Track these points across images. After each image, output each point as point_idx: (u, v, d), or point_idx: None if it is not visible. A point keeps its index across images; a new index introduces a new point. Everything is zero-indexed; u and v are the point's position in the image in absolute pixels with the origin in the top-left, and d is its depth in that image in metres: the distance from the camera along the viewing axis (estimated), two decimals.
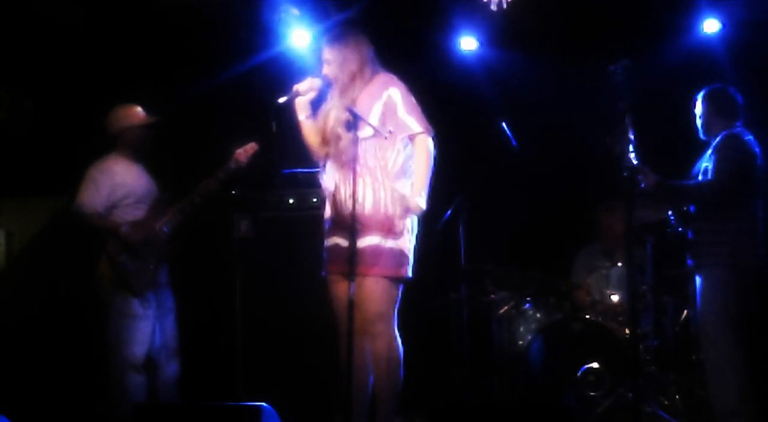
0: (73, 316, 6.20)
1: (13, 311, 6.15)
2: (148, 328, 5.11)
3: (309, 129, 4.36)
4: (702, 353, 4.88)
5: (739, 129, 4.85)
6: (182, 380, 5.66)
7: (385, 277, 4.17)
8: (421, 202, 4.20)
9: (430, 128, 4.30)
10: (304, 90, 4.31)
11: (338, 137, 4.25)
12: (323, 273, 4.37)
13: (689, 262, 4.91)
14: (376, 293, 4.14)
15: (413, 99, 4.32)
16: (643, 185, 4.53)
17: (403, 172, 4.27)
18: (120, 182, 5.16)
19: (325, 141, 4.33)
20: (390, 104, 4.22)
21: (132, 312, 5.07)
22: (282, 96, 4.31)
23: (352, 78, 4.28)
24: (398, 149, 4.26)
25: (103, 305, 5.15)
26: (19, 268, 6.54)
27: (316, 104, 4.39)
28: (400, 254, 4.20)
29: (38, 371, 6.08)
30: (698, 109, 4.96)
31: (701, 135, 4.96)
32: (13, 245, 6.64)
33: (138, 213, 5.17)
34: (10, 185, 6.30)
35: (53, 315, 6.26)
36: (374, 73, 4.33)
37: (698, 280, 4.80)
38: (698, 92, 5.00)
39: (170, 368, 5.23)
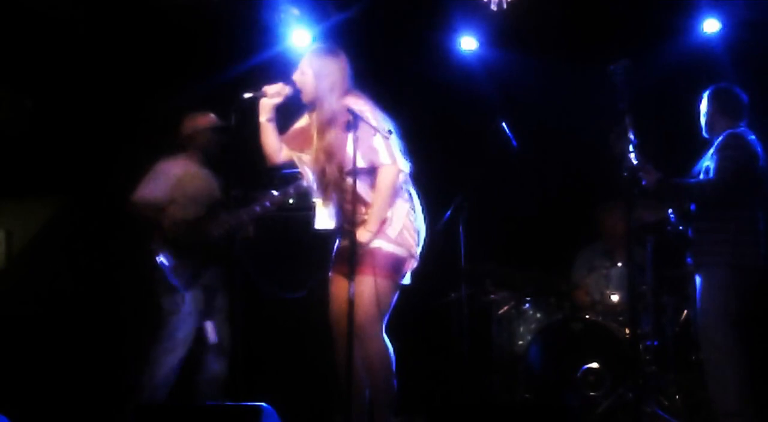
0: (73, 315, 6.21)
1: (12, 311, 6.15)
2: (188, 327, 5.15)
3: (268, 132, 4.36)
4: (702, 353, 4.87)
5: (742, 129, 4.84)
6: (182, 380, 5.65)
7: (380, 278, 4.16)
8: (365, 236, 4.15)
9: (392, 157, 4.18)
10: (272, 93, 4.30)
11: (324, 171, 4.25)
12: (329, 273, 4.40)
13: (689, 261, 4.91)
14: (368, 293, 4.14)
15: (370, 130, 4.15)
16: (644, 183, 4.51)
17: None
18: (182, 182, 5.25)
19: (320, 185, 4.33)
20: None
21: (173, 309, 5.12)
22: (248, 92, 4.32)
23: (322, 96, 4.24)
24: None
25: (155, 302, 5.22)
26: (19, 268, 6.54)
27: (280, 111, 4.38)
28: (400, 261, 4.22)
29: (38, 370, 6.08)
30: (703, 107, 4.94)
31: (704, 133, 4.95)
32: (13, 245, 6.64)
33: (195, 213, 5.23)
34: (9, 185, 6.31)
35: (53, 315, 6.26)
36: (345, 95, 4.25)
37: (698, 280, 4.79)
38: (699, 92, 4.98)
39: (215, 367, 5.27)
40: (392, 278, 4.21)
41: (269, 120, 4.34)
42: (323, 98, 4.25)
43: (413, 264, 4.30)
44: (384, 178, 4.18)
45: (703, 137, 4.95)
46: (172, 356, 5.11)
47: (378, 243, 4.17)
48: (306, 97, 4.31)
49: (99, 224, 6.43)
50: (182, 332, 5.13)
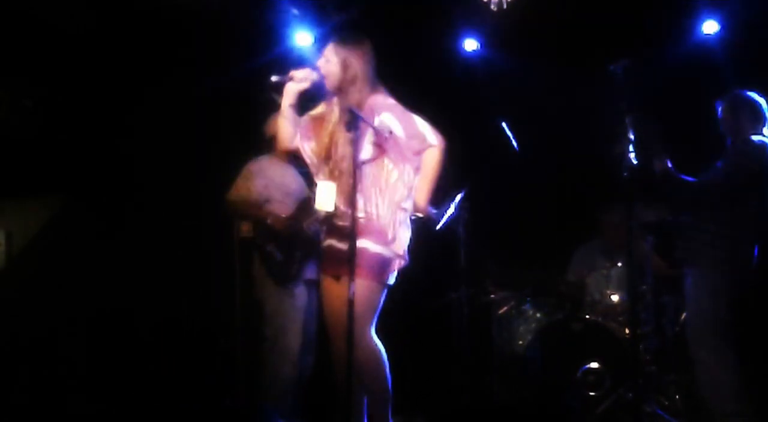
0: (73, 316, 6.21)
1: (12, 312, 6.15)
2: (299, 322, 5.22)
3: (287, 117, 4.28)
4: (693, 355, 4.85)
5: (760, 136, 4.80)
6: (182, 380, 5.66)
7: (367, 280, 4.10)
8: (422, 205, 4.24)
9: (437, 137, 4.28)
10: (299, 78, 4.24)
11: (343, 159, 4.20)
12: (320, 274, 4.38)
13: (681, 261, 4.91)
14: (356, 294, 4.10)
15: (408, 114, 4.22)
16: (656, 170, 4.49)
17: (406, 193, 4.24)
18: (272, 181, 5.35)
19: (330, 169, 4.27)
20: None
21: (285, 305, 5.20)
22: (276, 75, 4.27)
23: (347, 84, 4.22)
24: (387, 168, 4.21)
25: (256, 304, 5.33)
26: (19, 268, 6.54)
27: (304, 96, 4.33)
28: (386, 261, 4.16)
29: (37, 371, 6.08)
30: (727, 114, 4.90)
31: (727, 141, 4.92)
32: (13, 245, 6.64)
33: (292, 209, 5.32)
34: (10, 185, 6.31)
35: (52, 316, 6.25)
36: (371, 90, 4.25)
37: (689, 281, 4.80)
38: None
39: (306, 362, 5.34)
40: (378, 279, 4.15)
41: (291, 105, 4.29)
42: (348, 87, 4.23)
43: (401, 264, 4.25)
44: (431, 159, 4.27)
45: (726, 144, 4.92)
46: (288, 353, 5.15)
47: (364, 244, 4.09)
48: (330, 84, 4.26)
49: (99, 224, 6.43)
50: (295, 326, 5.19)
